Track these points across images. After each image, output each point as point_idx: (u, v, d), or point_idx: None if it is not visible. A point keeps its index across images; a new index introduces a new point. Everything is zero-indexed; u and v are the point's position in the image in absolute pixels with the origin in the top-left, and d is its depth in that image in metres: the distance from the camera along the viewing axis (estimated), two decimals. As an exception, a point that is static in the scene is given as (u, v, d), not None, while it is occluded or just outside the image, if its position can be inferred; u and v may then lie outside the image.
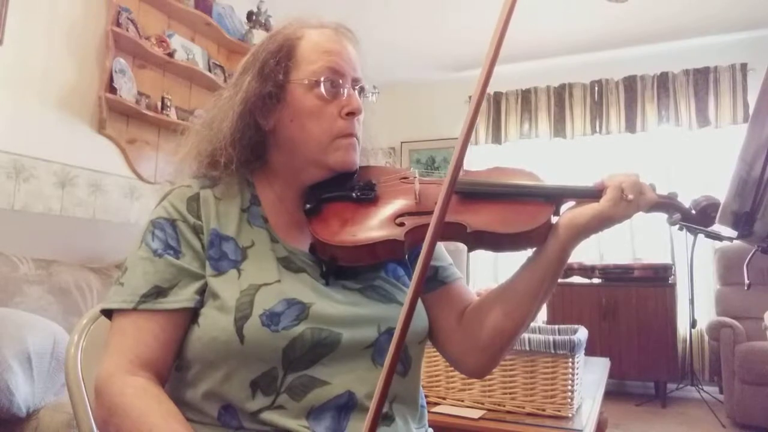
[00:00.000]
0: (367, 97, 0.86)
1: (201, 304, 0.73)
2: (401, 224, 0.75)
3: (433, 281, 0.87)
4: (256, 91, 0.79)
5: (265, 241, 0.78)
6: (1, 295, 1.87)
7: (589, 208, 0.75)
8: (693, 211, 0.81)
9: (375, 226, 0.76)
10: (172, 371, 0.76)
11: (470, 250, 0.78)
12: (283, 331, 0.69)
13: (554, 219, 0.78)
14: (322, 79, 0.78)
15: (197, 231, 0.76)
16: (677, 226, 0.84)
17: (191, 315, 0.74)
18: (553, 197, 0.78)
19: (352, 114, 0.80)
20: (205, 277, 0.74)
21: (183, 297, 0.73)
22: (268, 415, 0.68)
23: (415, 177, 0.82)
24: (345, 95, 0.80)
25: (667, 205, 0.81)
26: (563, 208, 0.80)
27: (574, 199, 0.79)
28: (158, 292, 0.72)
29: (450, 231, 0.75)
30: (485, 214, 0.76)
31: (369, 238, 0.74)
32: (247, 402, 0.69)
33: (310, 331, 0.70)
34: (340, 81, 0.80)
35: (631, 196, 0.74)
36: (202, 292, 0.74)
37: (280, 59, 0.80)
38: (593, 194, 0.77)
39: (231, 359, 0.69)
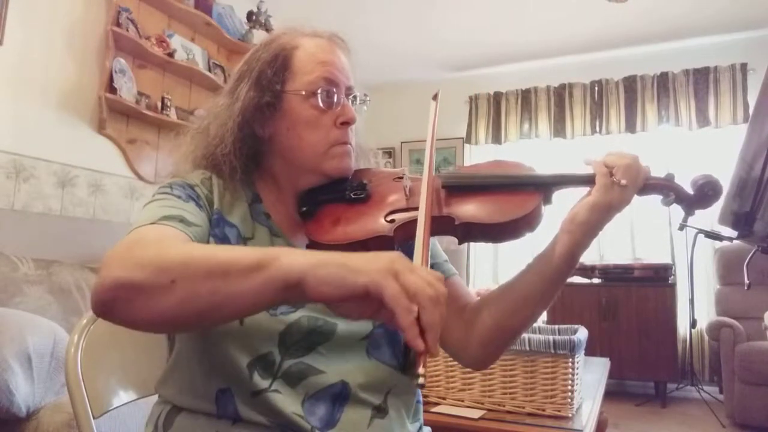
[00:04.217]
0: (359, 104, 0.87)
1: None
2: (391, 221, 0.77)
3: None
4: (253, 101, 0.80)
5: (265, 237, 0.80)
6: (1, 295, 1.87)
7: (585, 203, 0.74)
8: (689, 191, 0.78)
9: (366, 223, 0.78)
10: (171, 352, 0.77)
11: (461, 242, 0.78)
12: (280, 315, 0.71)
13: (544, 207, 0.78)
14: (318, 90, 0.80)
15: (210, 203, 0.78)
16: (678, 226, 0.83)
17: None
18: (542, 185, 0.78)
19: (346, 123, 0.82)
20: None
21: (205, 237, 0.73)
22: (265, 398, 0.69)
23: (404, 175, 0.83)
24: (340, 105, 0.82)
25: (662, 186, 0.78)
26: (555, 196, 0.79)
27: (564, 187, 0.78)
28: (182, 220, 0.70)
29: (439, 225, 0.77)
30: (473, 206, 0.77)
31: (360, 236, 0.76)
32: (245, 383, 0.70)
33: (306, 319, 0.72)
34: (335, 91, 0.81)
35: (624, 182, 0.72)
36: None
37: (277, 70, 0.81)
38: (582, 180, 0.77)
39: (229, 340, 0.70)
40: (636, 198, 0.76)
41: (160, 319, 0.55)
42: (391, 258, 0.52)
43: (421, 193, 0.71)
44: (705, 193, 0.77)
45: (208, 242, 0.74)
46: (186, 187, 0.77)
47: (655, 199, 0.80)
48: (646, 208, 3.91)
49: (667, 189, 0.78)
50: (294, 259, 0.53)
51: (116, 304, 0.55)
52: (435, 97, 0.85)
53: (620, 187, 0.72)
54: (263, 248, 0.56)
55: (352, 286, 0.51)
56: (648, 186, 0.76)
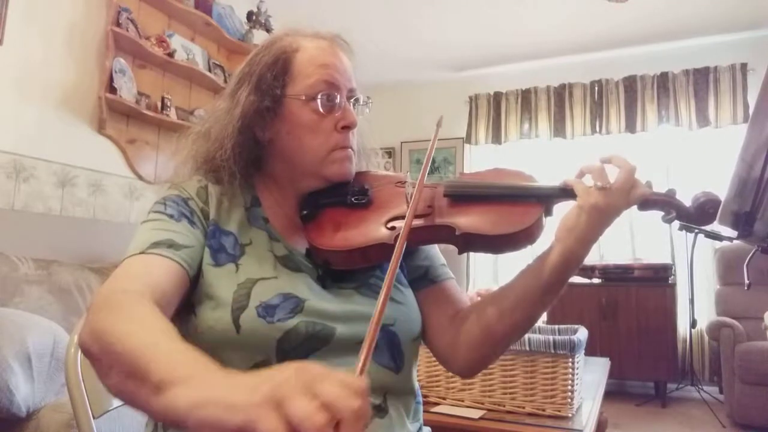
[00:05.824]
0: (362, 106, 0.87)
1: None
2: (392, 228, 0.76)
3: (424, 280, 0.89)
4: (253, 105, 0.80)
5: (263, 242, 0.80)
6: (1, 295, 1.87)
7: (572, 208, 0.75)
8: (690, 209, 0.78)
9: (367, 230, 0.77)
10: None
11: (461, 252, 0.78)
12: (278, 323, 0.70)
13: (545, 219, 0.77)
14: (318, 94, 0.80)
15: (205, 215, 0.78)
16: (678, 226, 0.83)
17: (193, 286, 0.73)
18: (544, 198, 0.78)
19: (347, 128, 0.81)
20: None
21: (196, 256, 0.74)
22: None
23: (407, 181, 0.83)
24: (341, 109, 0.82)
25: (663, 202, 0.78)
26: (556, 208, 0.79)
27: (565, 199, 0.78)
28: (171, 244, 0.71)
29: (440, 233, 0.76)
30: (474, 217, 0.77)
31: (360, 243, 0.76)
32: None
33: (304, 324, 0.72)
34: (336, 94, 0.81)
35: (600, 183, 0.73)
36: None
37: (277, 74, 0.81)
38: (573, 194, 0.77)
39: (227, 349, 0.70)
40: (636, 211, 0.77)
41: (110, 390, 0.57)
42: (280, 383, 0.41)
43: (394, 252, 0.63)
44: (706, 210, 0.77)
45: (201, 258, 0.74)
46: (180, 202, 0.77)
47: (657, 215, 0.80)
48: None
49: (668, 205, 0.78)
50: (187, 393, 0.47)
51: (87, 358, 0.60)
52: (438, 123, 0.87)
53: (599, 190, 0.73)
54: (186, 361, 0.52)
55: (229, 427, 0.43)
56: (648, 201, 0.76)
